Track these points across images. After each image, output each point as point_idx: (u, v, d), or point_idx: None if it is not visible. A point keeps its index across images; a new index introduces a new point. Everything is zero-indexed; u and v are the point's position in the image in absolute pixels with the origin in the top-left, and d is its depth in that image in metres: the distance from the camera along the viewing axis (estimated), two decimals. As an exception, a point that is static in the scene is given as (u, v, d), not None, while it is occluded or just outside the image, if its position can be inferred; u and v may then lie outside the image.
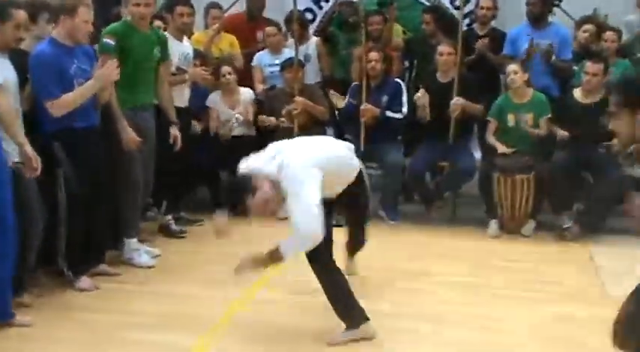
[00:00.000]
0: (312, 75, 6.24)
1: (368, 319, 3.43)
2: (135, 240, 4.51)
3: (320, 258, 3.37)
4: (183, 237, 5.15)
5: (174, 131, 4.74)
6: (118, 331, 3.50)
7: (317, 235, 3.17)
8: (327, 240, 3.37)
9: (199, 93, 5.65)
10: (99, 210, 4.14)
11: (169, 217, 5.23)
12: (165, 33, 5.08)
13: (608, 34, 5.68)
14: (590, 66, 5.18)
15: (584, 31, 5.80)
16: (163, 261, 4.62)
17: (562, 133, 5.25)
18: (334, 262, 3.48)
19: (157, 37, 4.60)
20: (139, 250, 4.49)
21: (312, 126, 5.75)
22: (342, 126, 6.18)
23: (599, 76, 5.16)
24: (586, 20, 5.95)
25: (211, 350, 3.34)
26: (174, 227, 5.19)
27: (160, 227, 5.23)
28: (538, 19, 5.81)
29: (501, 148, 5.40)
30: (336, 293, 3.42)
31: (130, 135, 4.26)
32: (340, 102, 5.91)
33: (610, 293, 4.08)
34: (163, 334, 3.47)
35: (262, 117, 5.86)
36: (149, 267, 4.45)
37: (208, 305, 3.84)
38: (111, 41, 4.25)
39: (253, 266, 3.35)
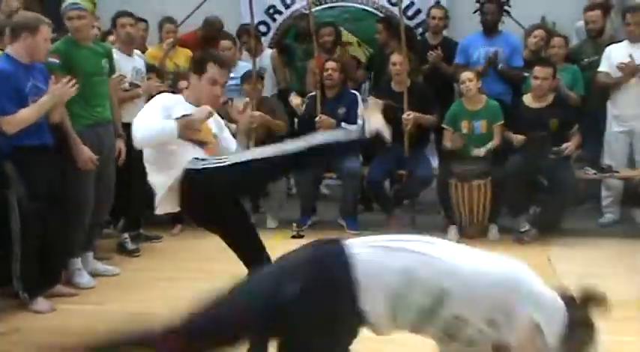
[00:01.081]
0: (268, 87, 6.25)
1: None
2: (78, 259, 4.42)
3: None
4: (137, 256, 5.09)
5: (120, 144, 4.67)
6: (76, 352, 3.42)
7: None
8: None
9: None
10: (53, 230, 4.07)
11: (125, 235, 5.16)
12: (114, 48, 5.04)
13: (556, 40, 5.82)
14: (538, 70, 5.29)
15: (534, 37, 5.93)
16: (122, 279, 4.56)
17: (518, 138, 5.34)
18: None
19: (103, 50, 4.55)
20: (80, 270, 4.41)
21: (270, 139, 5.75)
22: (301, 136, 6.17)
23: (549, 80, 5.28)
24: (536, 27, 6.09)
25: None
26: (129, 245, 5.13)
27: (117, 245, 5.17)
28: (491, 28, 5.91)
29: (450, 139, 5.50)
30: None
31: (85, 154, 4.20)
32: (299, 102, 5.88)
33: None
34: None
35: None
36: (89, 288, 4.36)
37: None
38: (55, 60, 4.19)
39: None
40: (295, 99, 5.79)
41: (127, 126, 4.86)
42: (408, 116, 5.49)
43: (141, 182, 5.02)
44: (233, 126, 5.68)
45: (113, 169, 4.59)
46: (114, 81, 4.84)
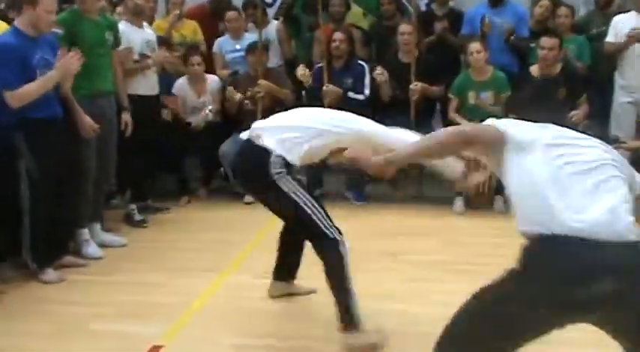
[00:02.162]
0: (274, 59, 6.23)
1: None
2: (85, 230, 4.44)
3: None
4: (144, 227, 5.11)
5: (126, 117, 4.69)
6: (84, 322, 3.45)
7: None
8: None
9: (163, 81, 5.60)
10: (62, 201, 4.09)
11: (133, 206, 5.19)
12: (123, 20, 5.02)
13: (562, 10, 5.79)
14: (545, 40, 5.26)
15: (540, 7, 5.89)
16: (129, 251, 4.58)
17: None
18: None
19: (107, 23, 4.54)
20: (87, 240, 4.43)
21: (277, 109, 5.74)
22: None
23: (555, 51, 5.25)
24: None
25: (178, 339, 3.31)
26: (136, 216, 5.15)
27: (125, 216, 5.20)
28: (497, -2, 5.87)
29: (464, 123, 5.44)
30: None
31: (87, 122, 4.20)
32: (306, 74, 5.84)
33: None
34: (130, 324, 3.44)
35: (230, 89, 5.79)
36: (96, 259, 4.39)
37: (175, 294, 3.82)
38: (58, 30, 4.18)
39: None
40: (301, 71, 5.75)
41: (138, 98, 4.92)
42: (415, 86, 5.46)
43: (144, 154, 5.10)
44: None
45: (115, 140, 4.59)
46: (122, 53, 4.83)
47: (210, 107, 5.72)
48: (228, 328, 3.39)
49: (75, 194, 4.27)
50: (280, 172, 3.10)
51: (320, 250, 3.19)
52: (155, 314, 3.55)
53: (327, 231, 3.15)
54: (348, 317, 3.12)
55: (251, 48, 5.80)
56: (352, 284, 3.15)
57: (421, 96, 5.53)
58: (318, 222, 3.14)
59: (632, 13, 5.50)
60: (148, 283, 3.98)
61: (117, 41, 4.66)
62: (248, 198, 5.52)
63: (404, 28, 5.59)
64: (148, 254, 4.51)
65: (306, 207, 3.13)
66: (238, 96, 5.73)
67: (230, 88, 5.78)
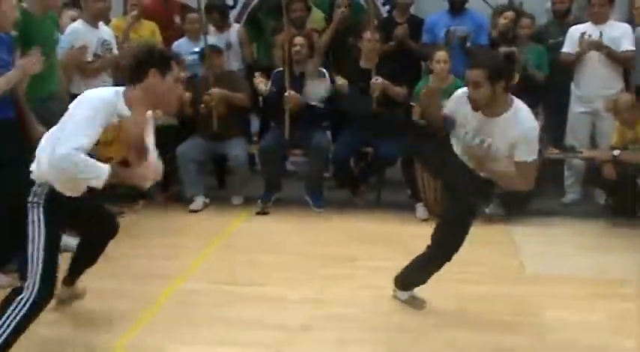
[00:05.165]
0: (234, 63, 6.18)
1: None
2: None
3: None
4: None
5: None
6: (35, 330, 3.34)
7: None
8: None
9: (120, 84, 5.50)
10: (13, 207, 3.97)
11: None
12: (78, 20, 4.94)
13: (525, 21, 5.86)
14: (504, 50, 5.31)
15: (505, 18, 5.94)
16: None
17: None
18: None
19: (53, 21, 4.45)
20: None
21: (233, 114, 5.69)
22: (267, 113, 6.15)
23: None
24: (506, 8, 6.11)
25: (131, 347, 3.25)
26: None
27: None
28: (457, 6, 5.91)
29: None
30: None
31: (37, 131, 4.09)
32: (264, 86, 5.80)
33: (527, 273, 4.22)
34: (81, 331, 3.38)
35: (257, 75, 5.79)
36: None
37: (129, 301, 3.75)
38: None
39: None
40: (260, 85, 5.72)
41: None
42: (377, 80, 5.45)
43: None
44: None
45: None
46: (76, 52, 4.73)
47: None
48: (182, 335, 3.34)
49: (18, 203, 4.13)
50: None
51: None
52: (108, 321, 3.48)
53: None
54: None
55: (204, 53, 5.70)
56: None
57: (382, 94, 5.49)
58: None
59: (588, 24, 5.59)
60: (101, 289, 3.88)
61: (58, 37, 4.56)
62: (193, 206, 5.47)
63: (369, 34, 5.58)
64: (101, 259, 4.40)
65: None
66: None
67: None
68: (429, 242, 4.89)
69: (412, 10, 6.37)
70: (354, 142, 5.69)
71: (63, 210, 2.98)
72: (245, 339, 3.31)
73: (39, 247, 2.89)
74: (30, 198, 2.93)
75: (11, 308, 2.84)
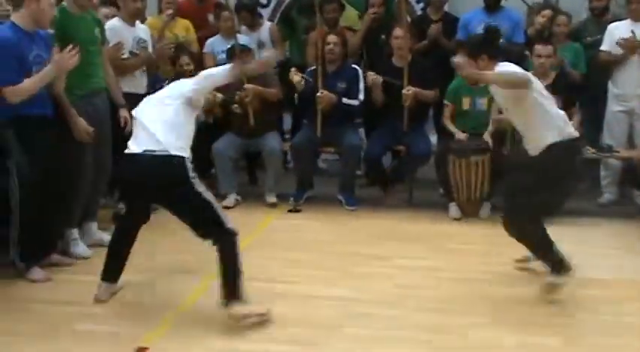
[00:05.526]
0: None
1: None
2: (75, 230, 4.39)
3: None
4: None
5: (124, 113, 4.62)
6: (69, 323, 3.42)
7: None
8: None
9: (153, 81, 5.56)
10: (52, 200, 4.04)
11: (122, 205, 5.12)
12: (115, 18, 5.00)
13: (561, 19, 5.80)
14: (540, 48, 5.24)
15: (543, 16, 5.88)
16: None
17: None
18: None
19: (94, 19, 4.49)
20: (76, 240, 4.38)
21: (266, 110, 5.71)
22: (300, 110, 6.16)
23: (551, 58, 5.24)
24: (545, 6, 6.05)
25: (164, 341, 3.27)
26: (126, 216, 5.09)
27: (114, 215, 5.13)
28: (493, 3, 5.86)
29: (459, 134, 5.43)
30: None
31: (81, 126, 4.16)
32: (299, 77, 5.78)
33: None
34: (115, 325, 3.41)
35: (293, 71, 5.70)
36: (85, 258, 4.33)
37: (162, 295, 3.79)
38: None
39: None
40: (295, 76, 5.71)
41: (125, 95, 4.89)
42: (408, 91, 5.44)
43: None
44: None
45: (109, 139, 4.55)
46: (112, 49, 4.79)
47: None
48: (215, 330, 3.36)
49: (67, 193, 4.21)
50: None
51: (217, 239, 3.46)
52: (141, 315, 3.52)
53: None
54: (236, 292, 3.38)
55: (231, 52, 5.70)
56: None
57: (414, 101, 5.51)
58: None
59: (627, 22, 5.51)
60: (135, 284, 3.93)
61: (104, 37, 4.61)
62: (226, 202, 5.46)
63: (397, 32, 5.56)
64: (135, 254, 4.45)
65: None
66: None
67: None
68: (461, 241, 4.90)
69: (446, 7, 6.33)
70: (386, 140, 5.68)
71: None
72: (278, 337, 3.32)
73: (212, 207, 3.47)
74: (191, 174, 3.46)
75: (231, 251, 3.43)
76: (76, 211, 4.38)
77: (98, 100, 4.43)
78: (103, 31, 4.58)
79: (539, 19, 5.84)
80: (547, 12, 5.89)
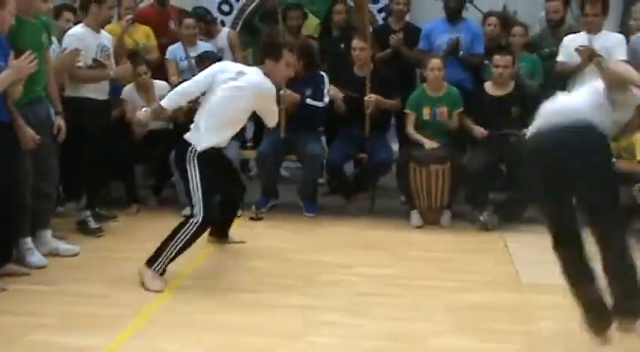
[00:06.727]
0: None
1: None
2: (29, 239, 4.29)
3: None
4: (100, 236, 4.95)
5: (59, 121, 4.52)
6: (23, 333, 3.33)
7: None
8: None
9: (113, 88, 5.48)
10: (6, 208, 3.94)
11: (88, 213, 5.04)
12: (80, 24, 4.93)
13: (516, 29, 5.90)
14: (499, 59, 5.35)
15: (489, 25, 5.99)
16: (75, 260, 4.44)
17: (479, 130, 5.38)
18: None
19: (42, 24, 4.40)
20: (31, 249, 4.28)
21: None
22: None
23: (509, 68, 5.34)
24: (490, 14, 6.15)
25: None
26: (92, 224, 5.00)
27: (78, 223, 5.04)
28: (454, 14, 5.94)
29: (430, 143, 5.45)
30: None
31: (28, 133, 4.07)
32: None
33: (522, 281, 4.22)
34: (72, 336, 3.33)
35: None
36: (41, 267, 4.24)
37: (121, 305, 3.72)
38: None
39: None
40: None
41: (88, 101, 4.81)
42: (370, 98, 5.46)
43: (99, 160, 4.98)
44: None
45: (51, 146, 4.45)
46: (68, 56, 4.72)
47: (145, 107, 5.56)
48: (176, 341, 3.31)
49: (11, 204, 4.08)
50: None
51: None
52: (99, 326, 3.45)
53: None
54: (157, 261, 3.92)
55: (199, 59, 5.64)
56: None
57: (376, 109, 5.53)
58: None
59: (583, 34, 5.61)
60: (93, 294, 3.86)
61: (50, 41, 4.53)
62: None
63: (356, 43, 5.57)
64: (94, 264, 4.38)
65: None
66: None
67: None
68: (423, 248, 4.91)
69: (408, 17, 6.39)
70: (348, 149, 5.69)
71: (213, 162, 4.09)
72: (240, 345, 3.28)
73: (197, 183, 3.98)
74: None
75: (184, 227, 3.94)
76: (24, 219, 4.26)
77: (39, 107, 4.33)
78: (50, 35, 4.49)
79: (487, 28, 5.96)
80: (492, 19, 6.01)
